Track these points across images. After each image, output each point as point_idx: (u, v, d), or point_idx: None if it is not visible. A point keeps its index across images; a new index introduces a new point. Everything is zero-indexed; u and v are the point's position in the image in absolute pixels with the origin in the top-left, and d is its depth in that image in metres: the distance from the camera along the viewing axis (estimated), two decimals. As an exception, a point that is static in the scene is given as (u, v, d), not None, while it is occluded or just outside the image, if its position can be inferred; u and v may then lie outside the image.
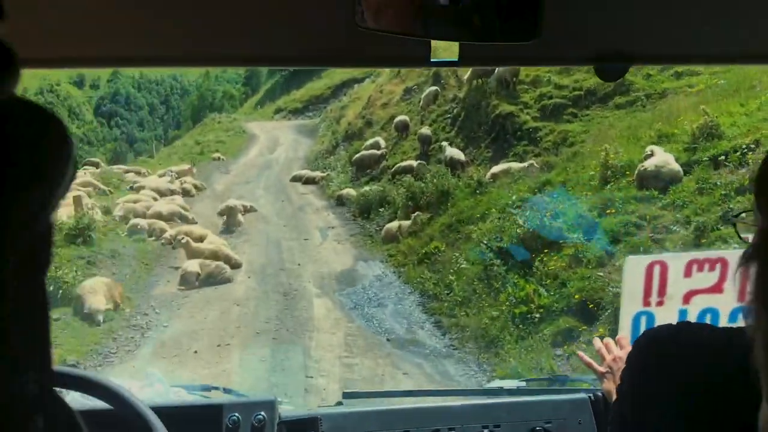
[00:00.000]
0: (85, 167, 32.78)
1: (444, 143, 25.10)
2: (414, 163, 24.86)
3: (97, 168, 33.69)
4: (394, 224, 20.38)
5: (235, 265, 18.10)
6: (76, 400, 1.92)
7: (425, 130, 26.14)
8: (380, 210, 22.90)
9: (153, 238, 20.67)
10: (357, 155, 29.45)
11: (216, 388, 2.59)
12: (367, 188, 24.95)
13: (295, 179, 32.07)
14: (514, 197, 16.99)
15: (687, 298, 2.50)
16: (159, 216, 22.61)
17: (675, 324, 1.29)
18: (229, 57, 1.48)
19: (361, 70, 40.37)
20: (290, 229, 22.84)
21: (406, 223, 19.96)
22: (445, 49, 1.24)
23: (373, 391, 3.16)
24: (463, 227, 17.28)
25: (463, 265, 15.30)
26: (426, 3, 1.06)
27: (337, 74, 50.89)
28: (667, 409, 1.17)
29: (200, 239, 19.99)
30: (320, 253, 19.67)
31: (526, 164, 19.57)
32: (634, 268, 2.57)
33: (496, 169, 20.25)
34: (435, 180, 20.93)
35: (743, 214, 1.12)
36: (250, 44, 1.39)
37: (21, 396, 0.44)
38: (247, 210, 25.87)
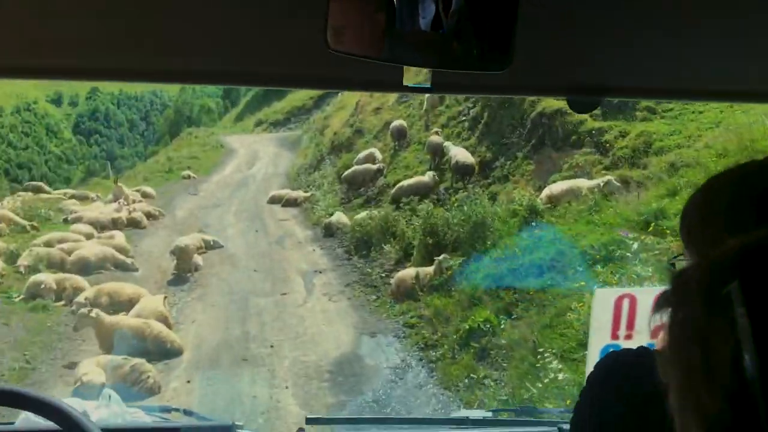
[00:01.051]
0: (19, 194, 25.41)
1: (447, 143, 17.99)
2: (428, 179, 17.64)
3: (36, 193, 26.21)
4: (409, 272, 13.11)
5: (171, 353, 10.81)
6: (28, 420, 1.76)
7: (436, 138, 18.95)
8: (384, 246, 15.64)
9: (62, 302, 13.29)
10: (348, 171, 22.17)
11: (176, 410, 2.37)
12: (363, 214, 17.65)
13: (274, 200, 24.78)
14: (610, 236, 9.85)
15: (655, 332, 1.16)
16: (81, 265, 15.24)
17: (635, 348, 1.21)
18: (199, 73, 1.36)
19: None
20: (263, 277, 15.52)
21: (427, 270, 12.73)
22: (418, 75, 1.13)
23: (337, 417, 2.67)
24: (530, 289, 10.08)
25: (552, 363, 8.14)
26: (399, 29, 1.01)
27: None
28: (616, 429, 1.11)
29: (130, 302, 12.68)
30: (304, 321, 12.39)
31: (599, 181, 12.43)
32: (603, 300, 2.46)
33: (554, 189, 13.08)
34: (461, 205, 13.74)
35: (680, 257, 1.03)
36: (222, 61, 1.29)
37: None
38: (209, 246, 18.51)
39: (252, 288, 14.59)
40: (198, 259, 17.08)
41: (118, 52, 1.24)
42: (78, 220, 20.60)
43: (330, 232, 18.85)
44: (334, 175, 24.64)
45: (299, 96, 48.47)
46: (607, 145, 13.75)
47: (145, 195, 26.81)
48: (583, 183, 12.70)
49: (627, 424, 1.10)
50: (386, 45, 1.01)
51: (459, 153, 17.29)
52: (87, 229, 19.07)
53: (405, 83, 1.13)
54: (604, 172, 13.16)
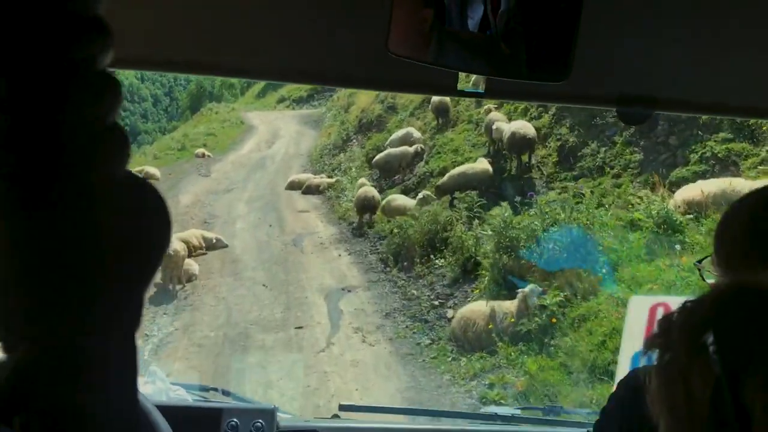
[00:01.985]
0: None
1: (493, 114, 13.43)
2: (484, 166, 13.04)
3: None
4: (479, 307, 8.60)
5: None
6: None
7: (497, 116, 14.28)
8: (432, 257, 11.14)
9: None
10: (380, 155, 17.54)
11: (215, 389, 2.34)
12: (405, 201, 13.13)
13: (293, 186, 20.25)
14: None
15: None
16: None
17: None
18: (261, 70, 1.32)
19: None
20: (274, 296, 11.07)
21: (507, 306, 8.21)
22: (472, 80, 1.14)
23: (370, 405, 2.38)
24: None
25: None
26: (457, 35, 0.98)
27: None
28: None
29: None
30: (327, 382, 7.92)
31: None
32: (637, 308, 2.38)
33: (694, 190, 8.50)
34: (549, 210, 9.17)
35: (706, 260, 1.07)
36: (280, 58, 1.26)
37: None
38: (210, 246, 14.07)
39: (257, 315, 10.20)
40: (193, 266, 12.66)
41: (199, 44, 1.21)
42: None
43: (361, 231, 14.33)
44: (362, 158, 20.06)
45: None
46: (763, 129, 9.08)
47: (147, 176, 22.42)
48: (741, 183, 8.08)
49: None
50: (443, 50, 0.98)
51: (515, 124, 12.75)
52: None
53: (459, 88, 1.13)
54: (762, 167, 8.54)
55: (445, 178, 13.17)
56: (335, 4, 1.13)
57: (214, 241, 14.32)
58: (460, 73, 1.08)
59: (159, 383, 2.15)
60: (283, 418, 2.07)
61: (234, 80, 60.39)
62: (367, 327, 9.58)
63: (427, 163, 15.91)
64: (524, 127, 12.39)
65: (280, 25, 1.17)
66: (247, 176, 23.50)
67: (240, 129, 36.19)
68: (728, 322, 0.56)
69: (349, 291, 11.20)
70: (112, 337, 0.47)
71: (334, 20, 1.15)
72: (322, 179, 19.84)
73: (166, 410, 1.20)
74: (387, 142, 18.39)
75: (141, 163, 27.72)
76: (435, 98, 17.43)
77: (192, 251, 13.96)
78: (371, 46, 1.04)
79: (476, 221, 10.72)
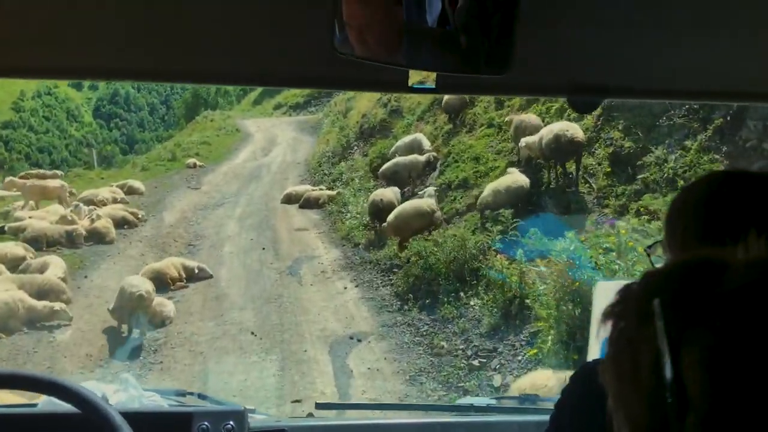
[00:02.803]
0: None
1: (524, 116, 10.99)
2: (522, 180, 10.41)
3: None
4: (549, 377, 5.97)
5: None
6: (50, 402, 1.69)
7: (529, 119, 11.70)
8: (462, 295, 8.55)
9: None
10: (387, 165, 14.94)
11: (191, 394, 2.20)
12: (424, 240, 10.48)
13: (290, 200, 17.65)
14: None
15: None
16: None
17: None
18: (205, 74, 1.28)
19: None
20: (264, 348, 8.48)
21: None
22: (422, 76, 1.11)
23: (346, 403, 2.74)
24: None
25: None
26: (403, 33, 0.93)
27: None
28: None
29: None
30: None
31: None
32: (604, 292, 2.25)
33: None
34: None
35: (657, 245, 1.06)
36: (230, 62, 1.20)
37: None
38: (192, 277, 11.48)
39: (242, 381, 7.56)
40: (166, 306, 10.03)
41: (129, 51, 1.15)
42: (18, 231, 13.65)
43: (368, 256, 11.73)
44: (366, 167, 17.46)
45: None
46: None
47: (130, 191, 19.77)
48: None
49: None
50: (392, 49, 0.94)
51: (558, 126, 10.20)
52: (17, 250, 12.07)
53: (410, 84, 1.09)
54: None
55: (486, 192, 10.47)
56: (281, 3, 1.07)
57: (197, 271, 11.72)
58: (410, 69, 1.03)
59: (132, 390, 2.00)
60: (254, 419, 1.93)
61: (228, 87, 57.87)
62: (385, 397, 6.97)
63: (442, 173, 13.30)
64: (570, 128, 9.82)
65: (225, 26, 1.10)
66: (240, 188, 20.90)
67: (235, 137, 33.62)
68: (677, 288, 0.55)
69: (359, 340, 8.60)
70: None
71: (280, 20, 1.09)
72: (321, 191, 17.24)
73: (138, 417, 1.38)
74: (393, 149, 15.79)
75: (127, 176, 25.11)
76: (446, 95, 14.86)
77: (170, 284, 11.36)
78: (318, 45, 0.98)
79: (519, 251, 8.13)
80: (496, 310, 8.15)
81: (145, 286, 9.65)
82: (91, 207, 15.61)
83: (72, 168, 31.64)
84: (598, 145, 10.07)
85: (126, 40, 1.12)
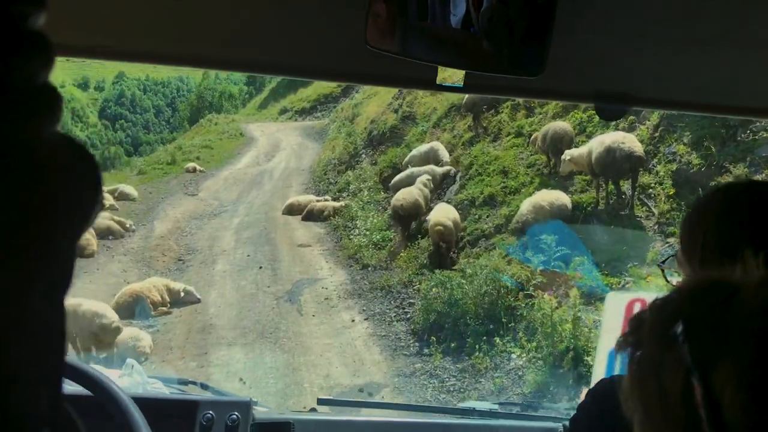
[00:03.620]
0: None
1: (557, 124, 9.26)
2: (563, 198, 8.65)
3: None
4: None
5: None
6: None
7: (562, 126, 9.99)
8: (497, 340, 6.74)
9: None
10: (400, 176, 13.19)
11: (193, 383, 2.13)
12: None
13: (292, 210, 15.91)
14: None
15: None
16: None
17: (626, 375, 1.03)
18: (239, 62, 1.25)
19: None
20: (254, 398, 6.65)
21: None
22: (451, 75, 1.06)
23: (348, 400, 2.36)
24: None
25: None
26: (436, 30, 0.93)
27: None
28: None
29: None
30: None
31: None
32: (614, 304, 2.26)
33: None
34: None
35: (670, 259, 1.04)
36: (260, 51, 1.19)
37: (35, 412, 0.43)
38: (176, 301, 9.74)
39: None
40: (142, 341, 8.25)
41: (157, 35, 1.13)
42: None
43: (379, 283, 9.98)
44: (375, 177, 15.71)
45: (326, 83, 40.25)
46: None
47: (122, 197, 18.04)
48: None
49: None
50: (422, 45, 0.93)
51: (612, 137, 8.45)
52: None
53: (438, 82, 1.08)
54: None
55: (525, 209, 8.70)
56: None
57: (182, 294, 9.97)
58: (438, 67, 1.01)
59: (136, 376, 1.95)
60: (258, 411, 1.86)
61: (234, 90, 56.25)
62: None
63: (463, 187, 11.54)
64: (626, 140, 8.07)
65: (260, 16, 1.08)
66: (239, 196, 19.18)
67: (239, 141, 31.99)
68: (697, 312, 0.54)
69: (371, 394, 6.83)
70: (38, 298, 0.43)
71: (314, 13, 1.07)
72: (326, 203, 15.49)
73: (142, 402, 1.29)
74: (407, 159, 14.04)
75: (122, 179, 23.39)
76: (468, 96, 13.13)
77: (151, 308, 9.63)
78: (350, 39, 0.97)
79: (574, 290, 6.38)
80: (542, 363, 6.39)
81: (104, 314, 7.94)
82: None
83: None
84: (657, 160, 8.32)
85: (158, 22, 1.10)
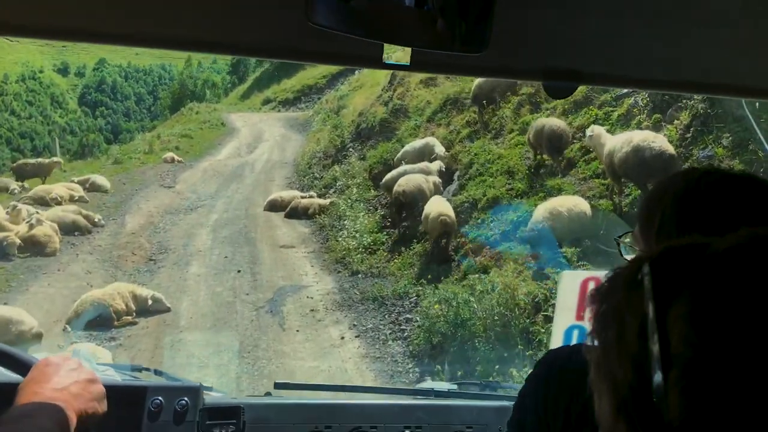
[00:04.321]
0: None
1: (553, 120, 8.14)
2: (579, 203, 7.51)
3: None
4: None
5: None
6: None
7: (550, 120, 8.93)
8: (515, 374, 5.60)
9: None
10: (393, 174, 12.00)
11: (147, 370, 2.03)
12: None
13: (274, 207, 14.69)
14: None
15: None
16: None
17: (572, 345, 1.15)
18: (179, 40, 1.16)
19: None
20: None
21: None
22: (397, 53, 1.03)
23: (304, 384, 2.13)
24: None
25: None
26: (381, 6, 0.89)
27: None
28: (560, 419, 1.03)
29: None
30: None
31: None
32: (569, 282, 2.19)
33: None
34: None
35: (627, 235, 1.06)
36: (202, 29, 1.13)
37: None
38: (142, 310, 8.45)
39: None
40: (103, 359, 7.04)
41: (111, 16, 1.09)
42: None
43: (370, 292, 8.82)
44: (364, 173, 14.52)
45: (311, 74, 39.44)
46: None
47: (93, 188, 16.62)
48: None
49: (569, 415, 1.00)
50: (367, 22, 0.88)
51: (641, 135, 7.36)
52: None
53: (385, 60, 1.04)
54: None
55: (540, 215, 7.56)
56: None
57: (150, 302, 8.70)
58: (384, 45, 0.98)
59: (84, 363, 1.56)
60: (210, 396, 1.80)
61: (216, 79, 54.57)
62: None
63: (463, 187, 10.41)
64: (656, 139, 6.95)
65: None
66: (219, 189, 17.87)
67: (220, 131, 30.59)
68: (665, 257, 0.55)
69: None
70: None
71: None
72: (312, 199, 14.27)
73: None
74: (399, 155, 12.87)
75: (96, 169, 21.91)
76: (479, 84, 11.97)
77: (116, 317, 8.39)
78: (293, 16, 0.93)
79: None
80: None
81: (26, 320, 6.74)
82: (44, 208, 12.51)
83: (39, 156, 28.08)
84: (689, 164, 7.23)
85: (108, 2, 1.06)
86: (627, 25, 1.09)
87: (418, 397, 2.02)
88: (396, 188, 10.27)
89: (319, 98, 33.47)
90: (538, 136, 9.46)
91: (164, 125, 37.54)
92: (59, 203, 14.06)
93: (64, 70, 69.34)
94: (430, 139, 12.46)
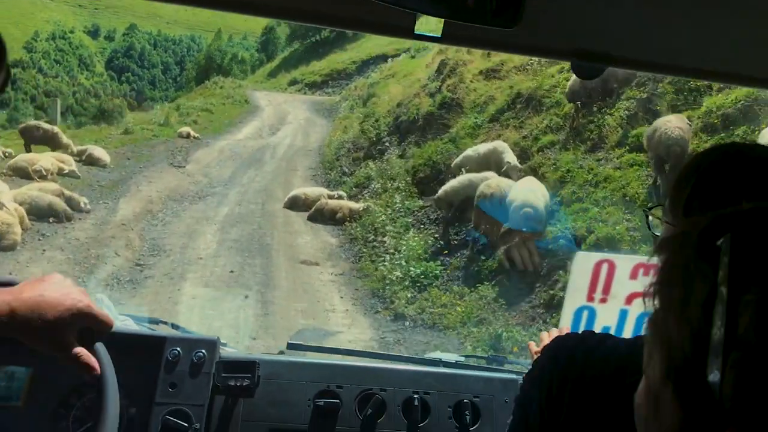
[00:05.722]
0: None
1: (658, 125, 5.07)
2: None
3: None
4: None
5: None
6: None
7: (677, 123, 6.02)
8: None
9: None
10: (452, 185, 8.99)
11: (164, 323, 1.97)
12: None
13: (296, 205, 11.81)
14: None
15: (629, 299, 1.97)
16: None
17: (580, 333, 1.08)
18: None
19: (393, 45, 27.95)
20: None
21: None
22: (429, 24, 0.96)
23: (317, 346, 2.07)
24: None
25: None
26: None
27: (364, 48, 34.29)
28: (563, 411, 0.96)
29: None
30: None
31: None
32: (582, 264, 2.06)
33: None
34: None
35: (657, 208, 1.00)
36: None
37: None
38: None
39: None
40: None
41: None
42: None
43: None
44: (406, 175, 11.59)
45: (341, 57, 37.04)
46: None
47: (89, 161, 13.74)
48: None
49: (572, 407, 0.94)
50: None
51: None
52: None
53: (416, 31, 0.99)
54: None
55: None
56: None
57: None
58: (417, 15, 0.92)
59: (106, 311, 1.44)
60: (225, 351, 1.75)
61: (245, 55, 51.58)
62: None
63: (553, 216, 7.44)
64: None
65: None
66: (234, 174, 15.01)
67: (242, 108, 27.76)
68: (747, 230, 0.51)
69: None
70: None
71: None
72: (340, 201, 11.36)
73: (110, 337, 1.11)
74: (459, 161, 9.88)
75: (103, 136, 19.08)
76: (573, 83, 9.01)
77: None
78: None
79: None
80: None
81: None
82: (28, 182, 9.67)
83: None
84: None
85: None
86: (659, 10, 0.99)
87: (427, 365, 1.89)
88: (478, 214, 7.31)
89: (347, 84, 30.79)
90: (650, 140, 6.70)
91: (185, 97, 34.80)
92: (43, 177, 11.22)
93: (94, 33, 66.68)
94: (499, 144, 9.49)
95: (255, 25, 59.61)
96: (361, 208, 10.70)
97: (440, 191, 8.97)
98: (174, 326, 1.93)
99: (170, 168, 15.20)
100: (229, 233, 10.14)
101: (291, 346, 1.98)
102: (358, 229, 10.03)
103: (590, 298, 2.03)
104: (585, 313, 2.08)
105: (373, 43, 35.56)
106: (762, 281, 0.48)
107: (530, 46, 1.16)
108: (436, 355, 2.11)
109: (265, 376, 1.69)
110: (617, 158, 7.64)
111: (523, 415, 1.07)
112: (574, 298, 2.07)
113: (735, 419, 0.47)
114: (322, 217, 10.96)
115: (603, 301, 2.04)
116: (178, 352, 1.65)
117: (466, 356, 2.21)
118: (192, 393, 1.63)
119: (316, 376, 1.74)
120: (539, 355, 1.09)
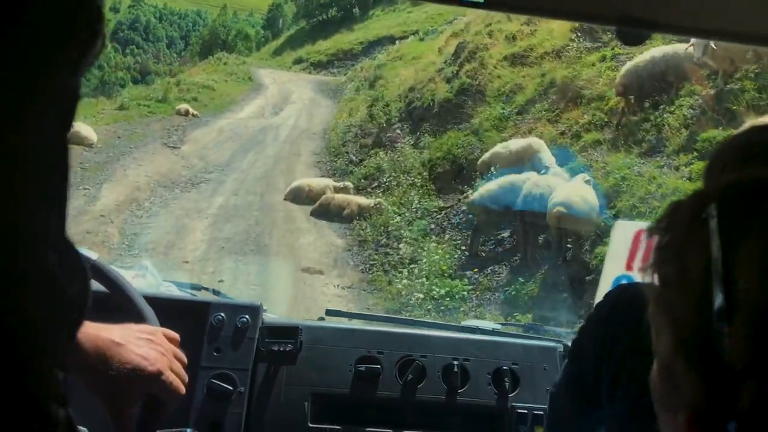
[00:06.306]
0: None
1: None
2: None
3: None
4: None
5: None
6: None
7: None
8: None
9: None
10: (487, 188, 7.56)
11: (206, 289, 1.99)
12: None
13: (298, 197, 10.37)
14: None
15: None
16: None
17: (636, 283, 1.07)
18: None
19: (400, 27, 27.37)
20: None
21: None
22: None
23: (355, 313, 2.39)
24: None
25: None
26: None
27: (371, 29, 33.38)
28: (621, 363, 0.94)
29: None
30: None
31: None
32: (622, 232, 2.02)
33: None
34: None
35: None
36: None
37: (51, 394, 0.39)
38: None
39: None
40: None
41: None
42: None
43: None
44: (421, 168, 10.18)
45: (347, 38, 35.69)
46: None
47: (73, 139, 12.29)
48: None
49: (628, 352, 0.94)
50: None
51: None
52: None
53: None
54: None
55: None
56: None
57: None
58: None
59: (149, 277, 1.80)
60: (268, 317, 1.71)
61: (250, 31, 49.66)
62: None
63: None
64: None
65: None
66: (232, 158, 13.59)
67: (245, 86, 26.27)
68: (732, 195, 0.52)
69: None
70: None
71: None
72: (347, 196, 9.93)
73: (156, 302, 1.14)
74: (487, 157, 8.44)
75: (95, 111, 17.59)
76: (625, 72, 7.58)
77: None
78: None
79: None
80: None
81: None
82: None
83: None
84: None
85: None
86: None
87: (465, 332, 1.86)
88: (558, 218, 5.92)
89: (353, 65, 29.35)
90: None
91: (188, 72, 33.18)
92: None
93: (99, 4, 64.92)
94: (534, 141, 8.06)
95: (261, 1, 57.64)
96: (371, 205, 9.30)
97: (476, 195, 7.52)
98: (215, 292, 1.93)
99: (164, 149, 13.80)
100: (222, 230, 8.75)
101: (330, 312, 2.02)
102: (368, 230, 8.66)
103: (629, 267, 1.94)
104: (624, 282, 1.93)
105: (380, 24, 34.06)
106: (753, 236, 0.48)
107: (574, 12, 1.12)
108: (474, 322, 2.08)
109: (307, 342, 1.64)
110: (684, 166, 6.24)
111: (577, 367, 1.04)
112: (613, 266, 2.01)
113: (751, 375, 0.45)
114: (328, 213, 9.57)
115: (642, 270, 1.36)
116: (222, 317, 1.60)
117: (502, 324, 2.17)
118: (236, 358, 1.58)
119: (357, 342, 1.69)
120: (594, 309, 1.06)
